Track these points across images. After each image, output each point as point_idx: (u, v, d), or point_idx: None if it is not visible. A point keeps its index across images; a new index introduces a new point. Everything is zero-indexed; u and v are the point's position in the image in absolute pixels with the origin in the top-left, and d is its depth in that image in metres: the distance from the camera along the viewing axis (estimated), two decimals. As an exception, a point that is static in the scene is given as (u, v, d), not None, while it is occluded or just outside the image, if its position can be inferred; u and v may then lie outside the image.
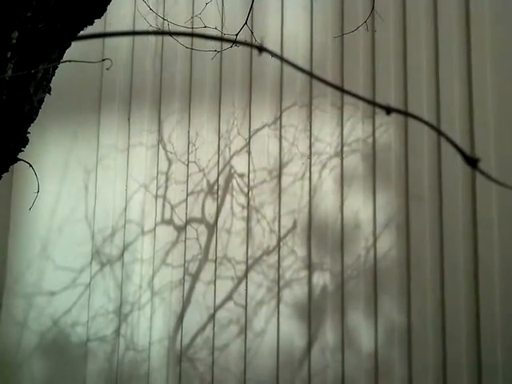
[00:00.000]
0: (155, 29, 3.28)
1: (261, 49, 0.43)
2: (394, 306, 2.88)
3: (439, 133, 0.46)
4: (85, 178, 3.39)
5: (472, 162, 0.45)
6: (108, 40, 3.41)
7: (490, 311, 2.75)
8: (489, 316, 2.74)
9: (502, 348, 2.71)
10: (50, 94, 0.92)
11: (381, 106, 0.46)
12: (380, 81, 3.06)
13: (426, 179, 2.94)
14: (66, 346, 3.25)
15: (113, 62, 3.39)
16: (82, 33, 0.92)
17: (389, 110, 0.45)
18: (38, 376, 3.27)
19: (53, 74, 0.92)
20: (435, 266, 2.85)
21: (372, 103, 0.48)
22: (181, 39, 2.98)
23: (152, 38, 3.39)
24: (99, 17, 0.92)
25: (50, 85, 0.93)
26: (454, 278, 2.82)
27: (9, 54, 0.75)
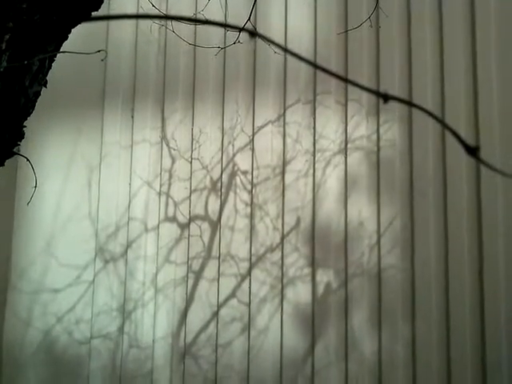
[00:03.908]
0: (159, 25, 3.27)
1: (253, 33, 0.42)
2: (398, 304, 2.86)
3: (439, 121, 0.44)
4: (88, 175, 3.39)
5: (471, 150, 0.43)
6: (111, 36, 3.40)
7: (494, 307, 2.72)
8: (494, 312, 2.72)
9: (506, 345, 2.69)
10: (45, 87, 0.91)
11: (378, 94, 0.44)
12: (384, 77, 3.04)
13: (430, 176, 2.92)
14: (70, 343, 3.26)
15: (116, 59, 3.39)
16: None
17: (386, 98, 0.43)
18: (42, 373, 3.28)
19: (49, 68, 0.91)
20: (440, 263, 2.83)
21: (370, 91, 0.47)
22: (184, 36, 2.97)
23: (155, 35, 3.38)
24: (97, 9, 0.91)
25: (47, 79, 0.92)
26: (458, 275, 2.80)
27: (3, 46, 0.74)
